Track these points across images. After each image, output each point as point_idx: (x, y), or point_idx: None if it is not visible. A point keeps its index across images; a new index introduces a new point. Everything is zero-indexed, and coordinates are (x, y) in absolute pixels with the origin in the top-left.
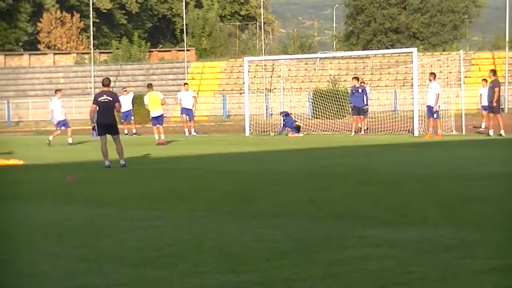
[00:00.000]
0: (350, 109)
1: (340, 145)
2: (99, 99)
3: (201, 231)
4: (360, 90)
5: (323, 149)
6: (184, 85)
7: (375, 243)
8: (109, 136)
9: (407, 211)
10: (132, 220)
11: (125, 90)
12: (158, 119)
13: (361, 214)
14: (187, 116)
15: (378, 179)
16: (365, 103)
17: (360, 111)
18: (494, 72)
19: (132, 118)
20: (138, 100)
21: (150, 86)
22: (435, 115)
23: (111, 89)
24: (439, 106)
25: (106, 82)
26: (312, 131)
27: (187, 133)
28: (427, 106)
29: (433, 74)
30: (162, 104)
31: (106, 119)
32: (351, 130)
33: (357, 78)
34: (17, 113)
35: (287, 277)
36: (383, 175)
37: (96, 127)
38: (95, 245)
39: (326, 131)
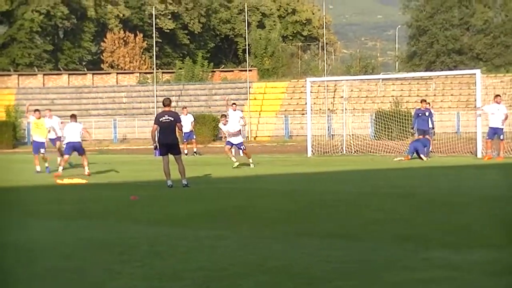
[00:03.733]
0: (412, 132)
1: (403, 166)
2: (160, 119)
3: (264, 251)
4: (426, 113)
5: (386, 170)
6: (183, 109)
7: (440, 265)
8: (171, 156)
9: (471, 232)
10: (195, 240)
11: (185, 108)
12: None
13: (425, 236)
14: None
15: (441, 200)
16: (431, 126)
17: (425, 134)
18: None
19: (194, 137)
20: (200, 120)
21: (37, 111)
22: (501, 137)
23: (172, 109)
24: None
25: (166, 102)
26: (374, 152)
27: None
28: (493, 127)
29: (499, 96)
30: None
31: (167, 139)
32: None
33: (425, 101)
34: None
35: None
36: (446, 197)
37: (158, 147)
38: (157, 265)
39: (389, 152)
